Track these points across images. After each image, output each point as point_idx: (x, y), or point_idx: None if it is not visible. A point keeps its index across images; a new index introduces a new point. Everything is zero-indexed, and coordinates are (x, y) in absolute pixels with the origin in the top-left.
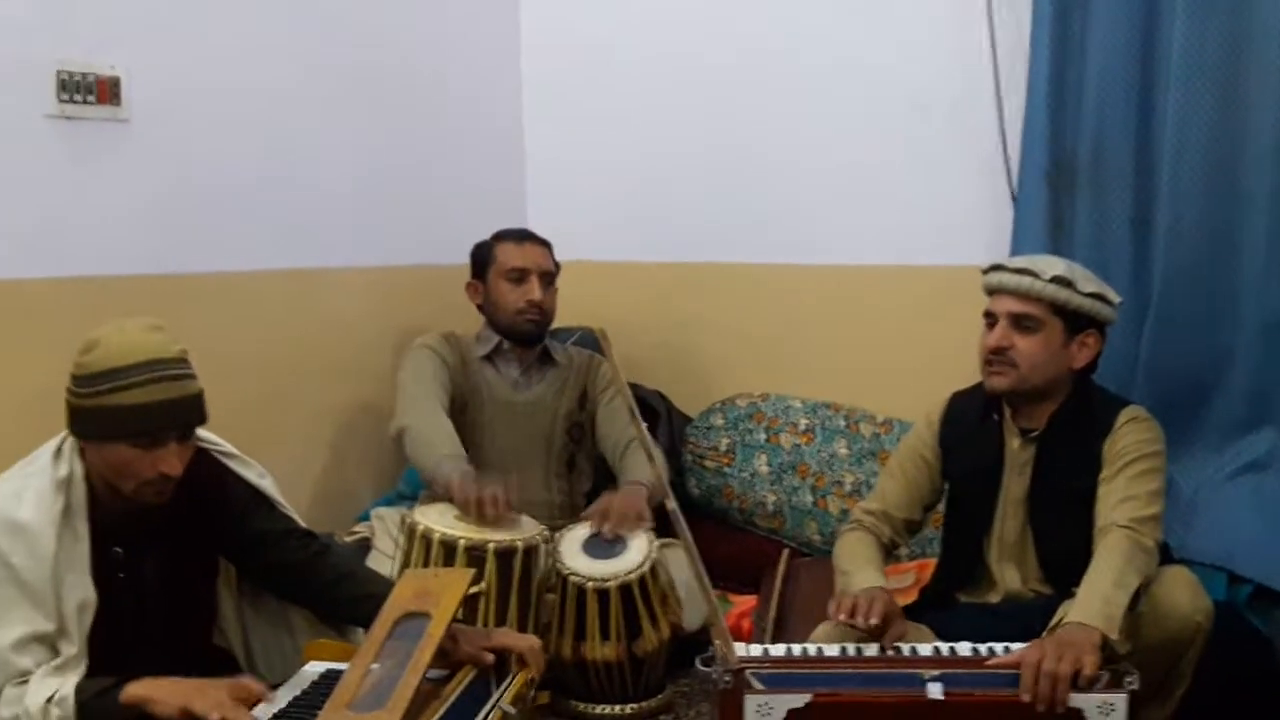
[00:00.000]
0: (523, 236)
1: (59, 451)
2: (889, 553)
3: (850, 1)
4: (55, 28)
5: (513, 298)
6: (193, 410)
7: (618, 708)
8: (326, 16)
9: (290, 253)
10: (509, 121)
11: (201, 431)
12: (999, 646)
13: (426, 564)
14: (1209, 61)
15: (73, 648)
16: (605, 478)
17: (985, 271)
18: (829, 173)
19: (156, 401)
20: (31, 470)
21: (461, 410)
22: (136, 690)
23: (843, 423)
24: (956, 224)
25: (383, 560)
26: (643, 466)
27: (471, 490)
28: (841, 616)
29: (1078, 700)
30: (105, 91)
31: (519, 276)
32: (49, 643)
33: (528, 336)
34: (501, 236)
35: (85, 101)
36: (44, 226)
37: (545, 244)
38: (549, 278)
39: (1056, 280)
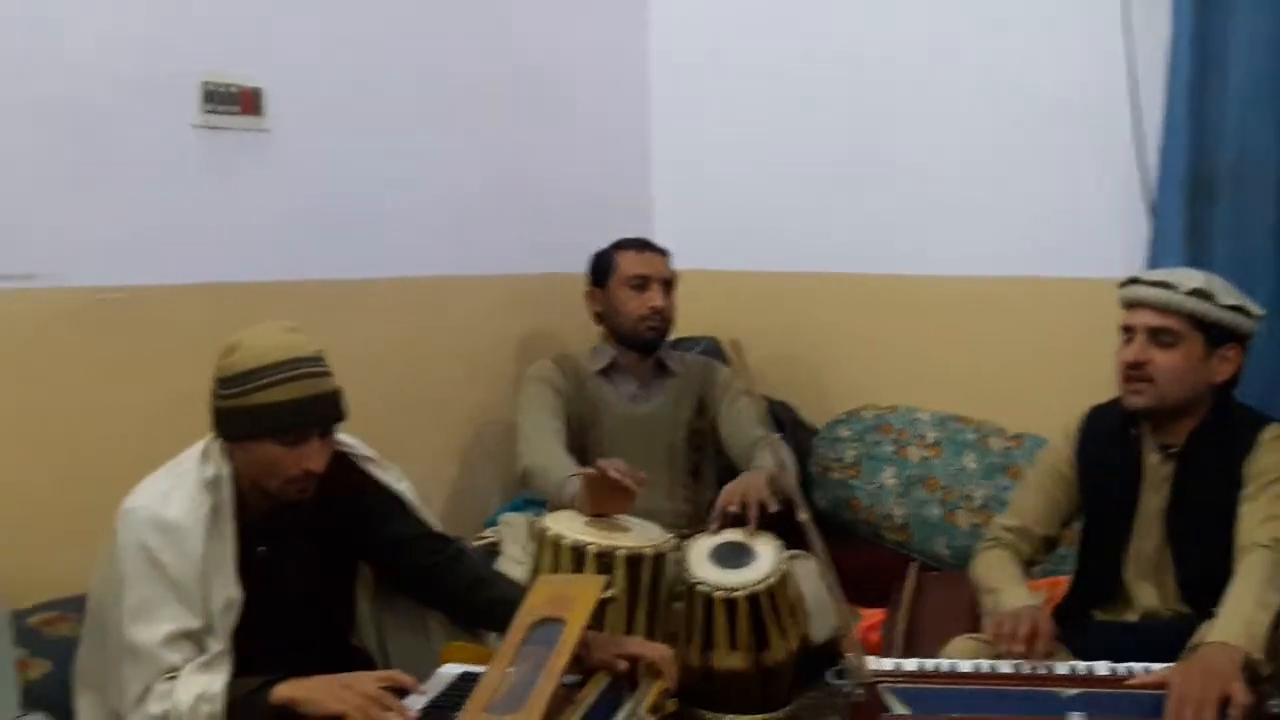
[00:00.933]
0: (643, 245)
1: (206, 453)
2: (1028, 570)
3: (982, 9)
4: (201, 41)
5: (634, 305)
6: (333, 406)
7: (745, 718)
8: (456, 27)
9: (420, 260)
10: (635, 130)
11: (341, 435)
12: (1138, 666)
13: (555, 569)
14: None
15: (219, 645)
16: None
17: (1122, 285)
18: (960, 182)
19: (298, 398)
20: (179, 471)
21: (581, 430)
22: (285, 691)
23: (972, 436)
24: (1091, 236)
25: (511, 566)
26: (769, 459)
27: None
28: (1006, 645)
29: None
30: (248, 102)
31: (641, 284)
32: (196, 640)
33: (648, 344)
34: (622, 245)
35: (229, 112)
36: (189, 234)
37: (665, 253)
38: (669, 285)
39: (1195, 293)
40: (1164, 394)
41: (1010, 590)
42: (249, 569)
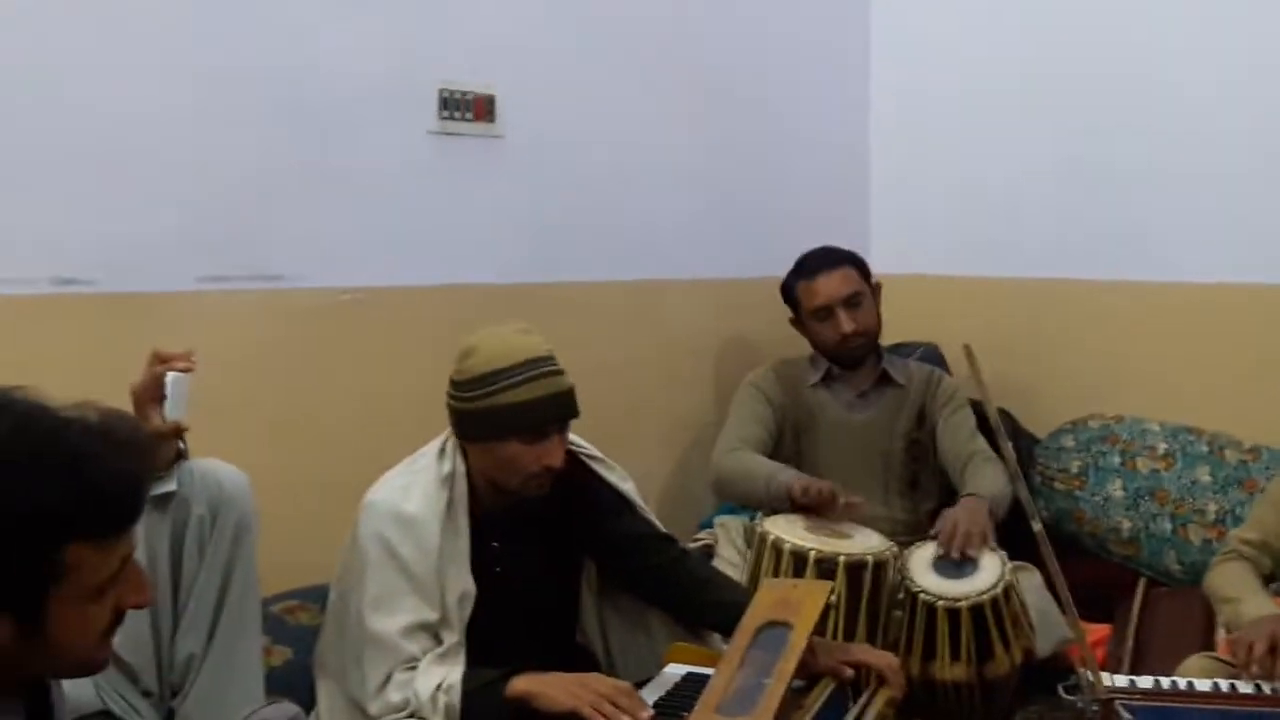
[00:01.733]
0: (814, 269)
1: (443, 450)
2: (1266, 585)
3: (1216, 10)
4: (438, 49)
5: (827, 334)
6: (570, 403)
7: None
8: (677, 34)
9: (641, 265)
10: (854, 133)
11: (570, 435)
12: None
13: (777, 574)
14: None
15: (454, 637)
16: (950, 494)
17: None
18: (1191, 187)
19: (539, 397)
20: (417, 467)
21: (796, 437)
22: (522, 685)
23: (1205, 448)
24: None
25: (726, 568)
26: (985, 479)
27: (813, 484)
28: (1244, 664)
29: None
30: (481, 109)
31: (824, 314)
32: (433, 631)
33: (858, 362)
34: (798, 272)
35: (464, 119)
36: (425, 237)
37: (840, 264)
38: (856, 299)
39: None
40: None
41: (1251, 600)
42: (482, 563)
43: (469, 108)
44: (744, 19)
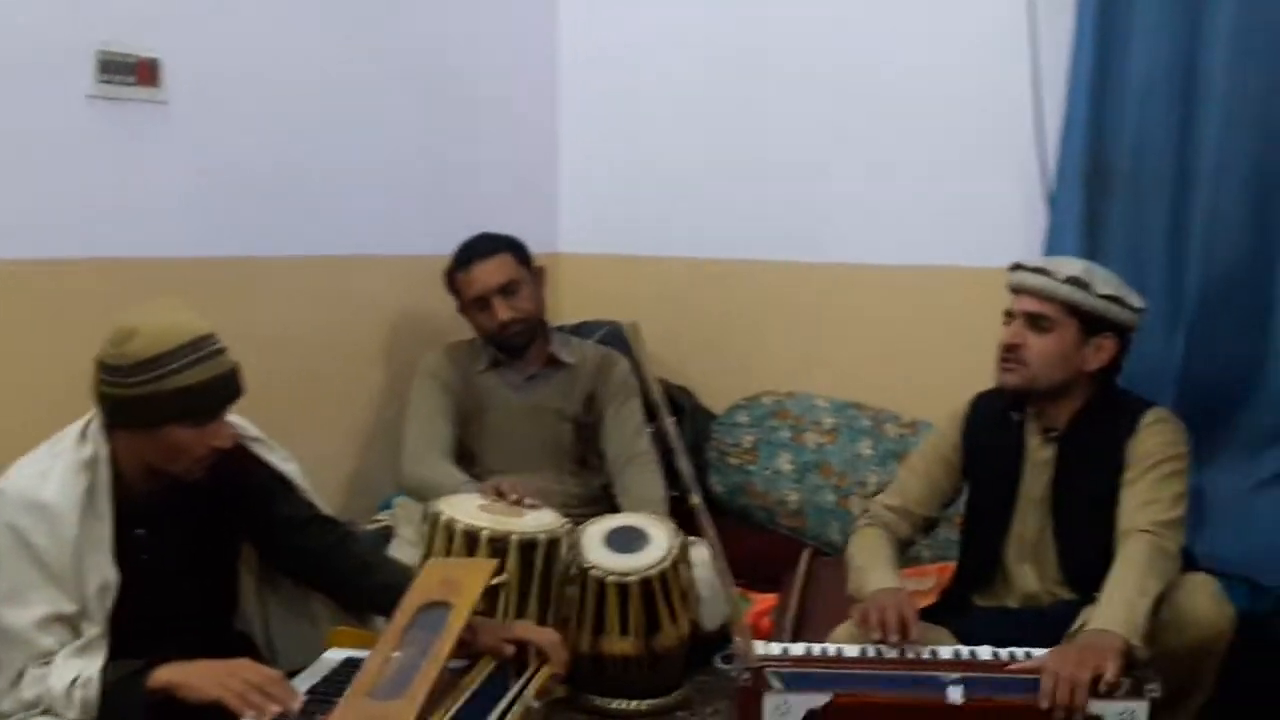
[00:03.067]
0: (469, 258)
1: (84, 434)
2: (904, 550)
3: (889, 3)
4: (97, 9)
5: (484, 323)
6: (236, 383)
7: (634, 703)
8: (365, 7)
9: (321, 239)
10: (543, 113)
11: (229, 416)
12: (1019, 651)
13: (449, 554)
14: (1254, 65)
15: (95, 629)
16: None
17: (1009, 270)
18: (862, 171)
19: (208, 379)
20: (56, 451)
21: (468, 421)
22: (165, 675)
23: (868, 423)
24: (991, 225)
25: (405, 548)
26: (647, 484)
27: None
28: (876, 635)
29: (1097, 707)
30: (145, 72)
31: (481, 304)
32: (71, 624)
33: (521, 348)
34: (453, 265)
35: (125, 83)
36: (82, 207)
37: (496, 252)
38: (512, 287)
39: (1072, 281)
40: (1035, 376)
41: (876, 572)
42: (127, 551)
43: (131, 70)
44: None
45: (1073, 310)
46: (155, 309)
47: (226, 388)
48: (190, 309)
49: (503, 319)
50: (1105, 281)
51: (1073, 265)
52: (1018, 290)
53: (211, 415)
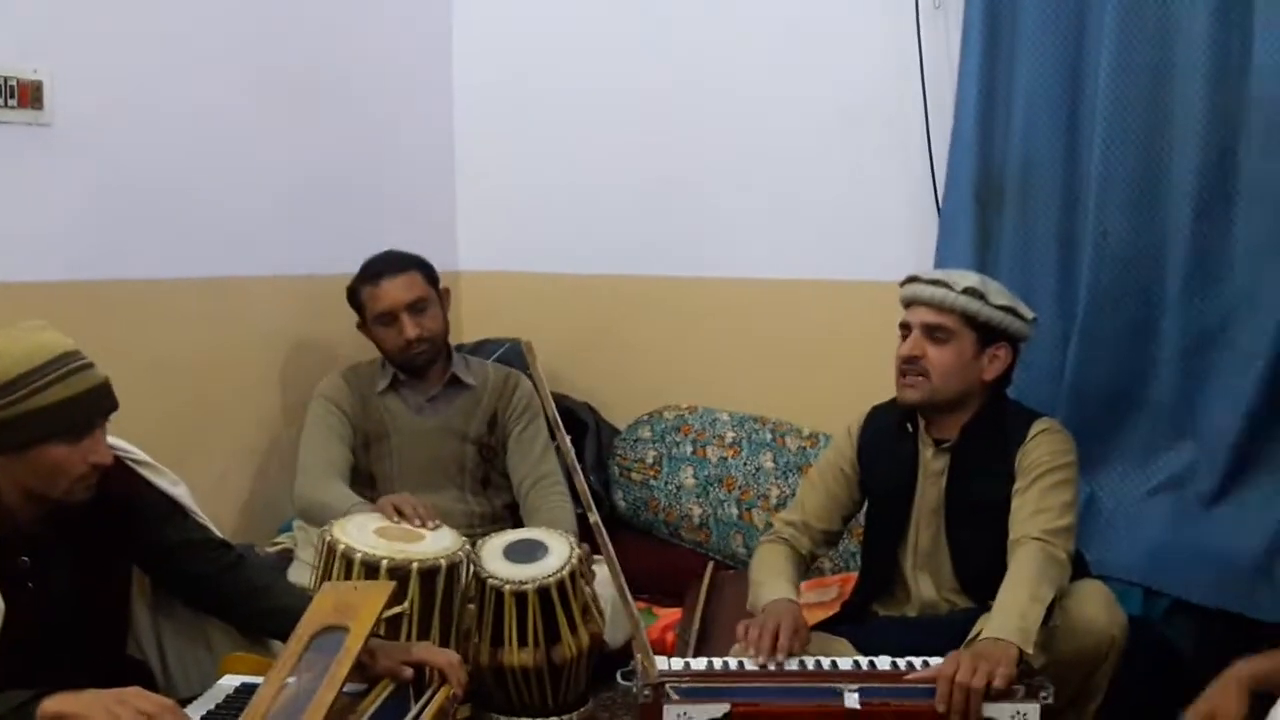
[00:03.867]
0: (378, 273)
1: None
2: (808, 564)
3: (780, 17)
4: None
5: (392, 339)
6: (108, 395)
7: None
8: (258, 23)
9: (215, 261)
10: (440, 134)
11: (113, 439)
12: (918, 660)
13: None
14: (1135, 83)
15: None
16: None
17: (902, 283)
18: (756, 187)
19: (77, 394)
20: None
21: (367, 445)
22: (54, 706)
23: (769, 436)
24: (885, 240)
25: (305, 570)
26: (554, 508)
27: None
28: (751, 652)
29: (991, 710)
30: (27, 95)
31: (389, 320)
32: None
33: (423, 368)
34: (363, 277)
35: (6, 105)
36: None
37: (406, 269)
38: (421, 304)
39: (969, 292)
40: (936, 388)
41: (771, 585)
42: (11, 580)
43: (13, 94)
44: (327, 16)
45: (969, 320)
46: (15, 331)
47: (98, 400)
48: (53, 328)
49: (410, 336)
50: (999, 293)
51: (968, 277)
52: (913, 302)
53: (85, 429)
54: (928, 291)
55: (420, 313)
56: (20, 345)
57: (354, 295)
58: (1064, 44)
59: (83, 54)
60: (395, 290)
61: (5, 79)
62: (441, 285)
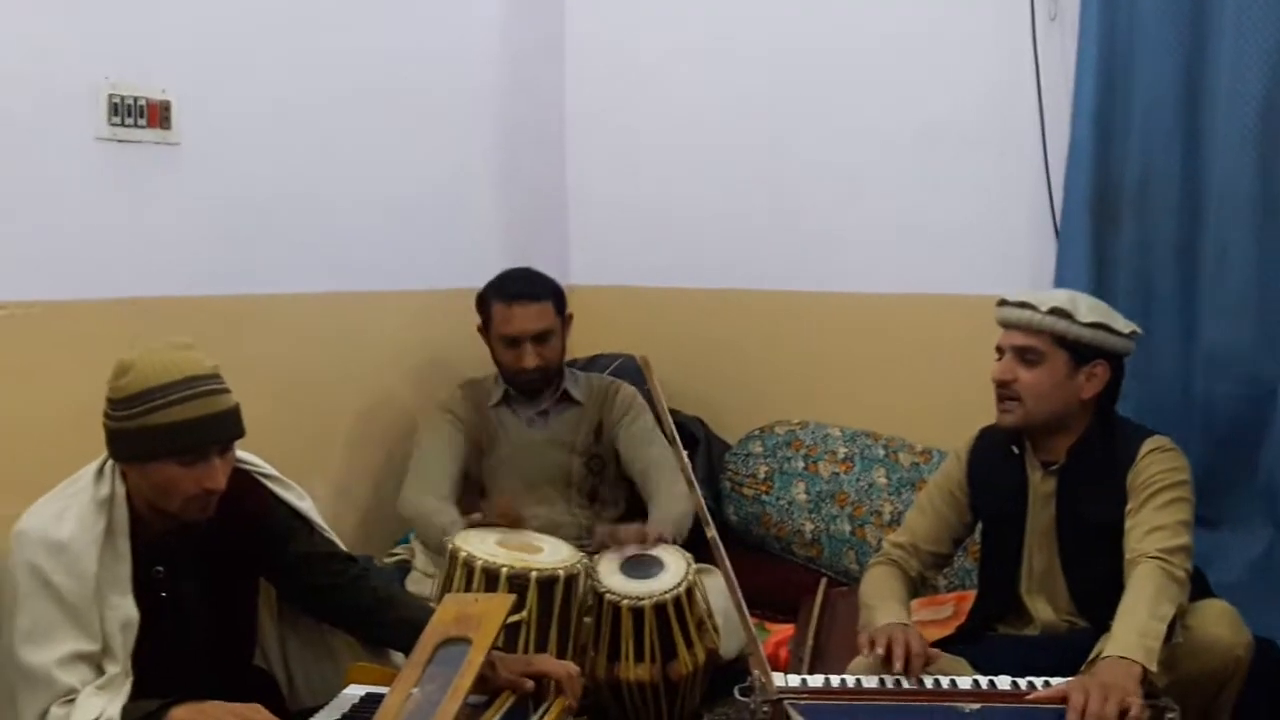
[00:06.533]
0: (513, 296)
1: (100, 472)
2: (918, 586)
3: (895, 33)
4: (107, 51)
5: (508, 360)
6: (231, 424)
7: None
8: (378, 50)
9: (333, 275)
10: (552, 147)
11: (242, 453)
12: (1038, 680)
13: (469, 591)
14: (1255, 89)
15: (116, 667)
16: (635, 504)
17: (996, 305)
18: (874, 202)
19: (196, 417)
20: (73, 491)
21: (480, 456)
22: (181, 715)
23: (881, 452)
24: (1001, 255)
25: (422, 580)
26: (667, 500)
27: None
28: (879, 651)
29: None
30: (156, 115)
31: (512, 343)
32: (93, 662)
33: (530, 393)
34: (497, 292)
35: (136, 125)
36: (93, 249)
37: (539, 295)
38: (545, 336)
39: (1054, 312)
40: (1030, 412)
41: (883, 607)
42: (146, 589)
43: (142, 113)
44: (446, 28)
45: (1059, 340)
46: (159, 346)
47: (219, 426)
48: (196, 348)
49: (527, 365)
50: (1091, 309)
51: (1056, 296)
52: (1004, 325)
53: (199, 454)
54: (1014, 314)
55: (543, 343)
56: (155, 361)
57: (484, 304)
58: (1182, 49)
59: (208, 75)
60: (526, 319)
61: (135, 99)
62: (567, 312)
